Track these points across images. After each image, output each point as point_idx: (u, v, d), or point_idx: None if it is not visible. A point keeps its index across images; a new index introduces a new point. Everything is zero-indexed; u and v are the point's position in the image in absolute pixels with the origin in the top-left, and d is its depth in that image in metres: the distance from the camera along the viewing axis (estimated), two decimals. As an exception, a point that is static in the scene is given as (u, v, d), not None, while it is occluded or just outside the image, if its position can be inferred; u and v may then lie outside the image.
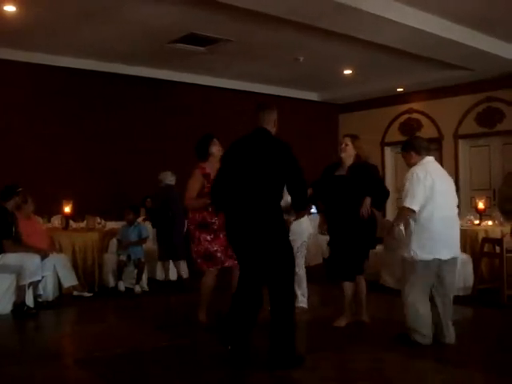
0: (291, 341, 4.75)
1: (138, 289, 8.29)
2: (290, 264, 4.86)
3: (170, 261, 8.84)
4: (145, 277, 8.54)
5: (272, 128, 5.03)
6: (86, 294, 8.02)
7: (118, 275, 8.40)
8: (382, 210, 6.49)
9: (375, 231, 6.12)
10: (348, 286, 6.11)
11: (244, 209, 4.83)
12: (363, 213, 5.78)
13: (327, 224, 6.25)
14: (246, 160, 4.88)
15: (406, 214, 5.36)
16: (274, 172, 4.81)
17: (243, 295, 4.89)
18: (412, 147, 5.75)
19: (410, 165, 5.73)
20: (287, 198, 6.72)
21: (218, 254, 6.02)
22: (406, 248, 5.41)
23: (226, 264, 6.06)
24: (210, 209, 5.88)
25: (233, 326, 4.86)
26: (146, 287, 8.47)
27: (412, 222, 5.37)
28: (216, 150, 6.23)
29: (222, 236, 5.89)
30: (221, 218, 5.72)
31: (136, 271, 8.39)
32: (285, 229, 5.00)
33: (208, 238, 6.02)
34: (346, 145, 5.99)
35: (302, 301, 7.00)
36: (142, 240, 8.63)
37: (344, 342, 5.59)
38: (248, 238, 4.83)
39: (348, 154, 5.97)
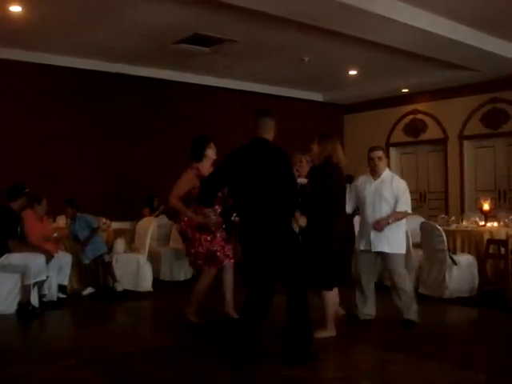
0: (309, 338, 4.93)
1: (119, 287, 8.13)
2: (302, 265, 5.04)
3: None
4: (150, 276, 8.52)
5: (271, 135, 5.23)
6: (90, 290, 8.11)
7: (85, 281, 8.29)
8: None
9: (328, 240, 5.54)
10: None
11: (256, 218, 4.96)
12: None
13: None
14: (251, 171, 4.99)
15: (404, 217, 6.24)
16: (277, 180, 4.94)
17: (258, 298, 5.00)
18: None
19: (381, 169, 6.24)
20: None
21: (218, 254, 6.13)
22: (397, 245, 6.18)
23: (224, 263, 6.20)
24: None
25: (244, 326, 4.96)
26: (150, 288, 8.47)
27: (404, 223, 6.29)
28: (211, 153, 6.33)
29: (218, 235, 6.11)
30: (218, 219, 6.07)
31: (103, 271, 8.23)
32: (294, 233, 5.18)
33: (208, 238, 6.11)
34: (313, 144, 5.88)
35: None
36: (93, 231, 8.22)
37: (347, 342, 5.57)
38: (264, 247, 4.95)
39: (315, 156, 5.85)
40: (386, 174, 6.29)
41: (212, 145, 6.36)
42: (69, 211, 8.41)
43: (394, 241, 6.15)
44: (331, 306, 5.64)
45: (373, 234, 6.14)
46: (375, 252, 6.22)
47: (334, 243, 5.48)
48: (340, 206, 5.72)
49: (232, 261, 6.24)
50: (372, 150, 6.33)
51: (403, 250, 6.28)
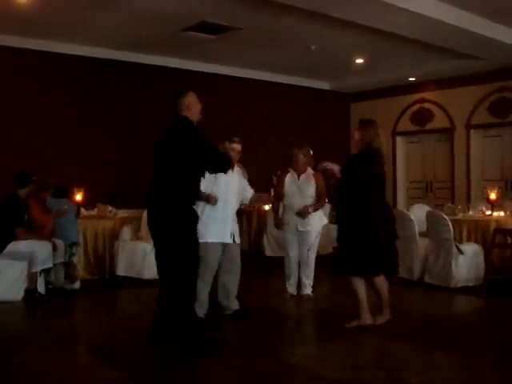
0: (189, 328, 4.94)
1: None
2: (188, 259, 4.96)
3: None
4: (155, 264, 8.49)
5: (189, 112, 5.12)
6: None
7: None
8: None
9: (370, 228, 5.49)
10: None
11: (153, 199, 5.07)
12: None
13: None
14: (160, 151, 5.06)
15: None
16: (181, 161, 4.89)
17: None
18: None
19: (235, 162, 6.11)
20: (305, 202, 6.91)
21: None
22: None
23: None
24: None
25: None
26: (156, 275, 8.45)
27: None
28: None
29: None
30: None
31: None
32: (192, 223, 5.03)
33: None
34: (355, 130, 5.86)
35: (309, 289, 7.10)
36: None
37: (352, 331, 5.56)
38: (155, 229, 5.04)
39: (356, 143, 5.80)
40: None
41: None
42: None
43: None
44: (383, 291, 5.62)
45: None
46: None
47: (376, 231, 5.42)
48: (380, 192, 5.65)
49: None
50: (232, 141, 6.09)
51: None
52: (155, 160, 5.10)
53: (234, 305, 6.13)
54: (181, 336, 4.92)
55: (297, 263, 7.15)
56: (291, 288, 7.16)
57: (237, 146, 6.04)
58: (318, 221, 7.16)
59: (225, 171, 5.35)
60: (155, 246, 5.11)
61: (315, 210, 7.02)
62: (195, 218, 5.06)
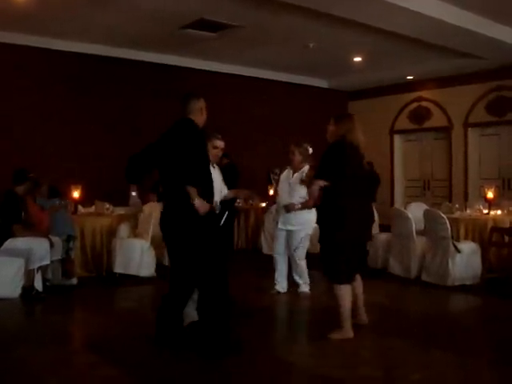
0: (218, 332, 4.83)
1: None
2: (210, 258, 4.89)
3: None
4: (153, 262, 8.50)
5: (199, 116, 5.14)
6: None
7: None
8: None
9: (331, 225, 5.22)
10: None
11: (165, 199, 5.04)
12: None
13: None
14: (163, 151, 5.04)
15: None
16: (183, 162, 4.85)
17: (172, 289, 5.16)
18: None
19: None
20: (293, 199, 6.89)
21: None
22: None
23: None
24: None
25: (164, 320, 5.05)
26: (153, 273, 8.46)
27: None
28: None
29: None
30: None
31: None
32: (205, 223, 4.89)
33: None
34: (329, 124, 5.61)
35: (305, 287, 7.10)
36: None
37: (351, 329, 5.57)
38: (168, 232, 5.02)
39: (330, 136, 5.55)
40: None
41: None
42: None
43: None
44: (344, 304, 5.23)
45: None
46: None
47: (343, 235, 5.12)
48: (353, 187, 5.15)
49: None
50: (216, 138, 5.95)
51: None
52: (161, 163, 5.05)
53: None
54: (215, 337, 4.84)
55: (284, 261, 7.19)
56: (278, 285, 7.17)
57: (220, 144, 5.96)
58: (308, 221, 6.85)
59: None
60: (175, 252, 5.08)
61: (303, 207, 6.77)
62: (213, 215, 5.04)
